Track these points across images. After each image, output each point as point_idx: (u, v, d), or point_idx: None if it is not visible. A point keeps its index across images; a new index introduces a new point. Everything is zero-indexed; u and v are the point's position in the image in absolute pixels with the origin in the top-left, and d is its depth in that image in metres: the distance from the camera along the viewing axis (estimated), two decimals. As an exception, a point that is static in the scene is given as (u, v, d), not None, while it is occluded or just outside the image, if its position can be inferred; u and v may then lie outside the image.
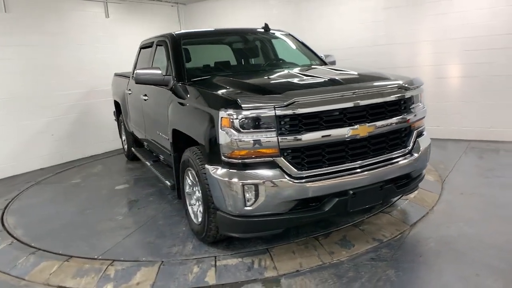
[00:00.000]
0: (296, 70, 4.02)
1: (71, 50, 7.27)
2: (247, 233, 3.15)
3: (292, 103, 2.85)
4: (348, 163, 3.07)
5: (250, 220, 2.98)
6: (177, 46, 4.29)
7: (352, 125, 3.01)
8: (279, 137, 2.84)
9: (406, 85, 3.31)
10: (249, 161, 2.89)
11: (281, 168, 2.89)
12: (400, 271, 2.97)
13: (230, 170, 2.93)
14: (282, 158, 2.88)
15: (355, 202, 3.08)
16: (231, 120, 2.85)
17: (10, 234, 4.13)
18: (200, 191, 3.36)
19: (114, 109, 7.37)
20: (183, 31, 4.65)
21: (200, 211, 3.51)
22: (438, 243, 3.34)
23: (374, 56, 6.93)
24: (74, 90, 7.39)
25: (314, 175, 2.95)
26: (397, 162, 3.25)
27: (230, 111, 2.85)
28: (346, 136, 2.99)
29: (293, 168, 2.89)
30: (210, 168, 3.06)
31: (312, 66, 4.49)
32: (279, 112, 2.82)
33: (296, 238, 3.52)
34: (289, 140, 2.86)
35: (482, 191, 4.34)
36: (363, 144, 3.11)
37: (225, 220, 3.07)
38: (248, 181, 2.86)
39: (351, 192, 3.02)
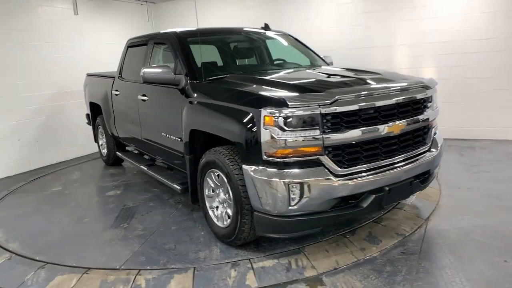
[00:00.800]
0: (314, 70, 4.05)
1: (38, 48, 6.79)
2: (287, 233, 3.10)
3: (335, 101, 2.87)
4: (382, 160, 3.13)
5: (292, 220, 2.94)
6: (185, 45, 4.15)
7: (387, 123, 3.08)
8: (323, 135, 2.83)
9: (428, 85, 3.45)
10: (292, 159, 2.86)
11: (324, 166, 2.88)
12: (434, 262, 3.09)
13: (273, 170, 2.88)
14: (325, 156, 2.88)
15: (389, 198, 3.16)
16: (276, 119, 2.81)
17: (4, 248, 3.76)
18: (230, 193, 3.26)
19: (88, 112, 6.97)
20: (185, 29, 4.50)
21: (227, 213, 3.42)
22: (458, 234, 3.50)
23: (354, 58, 7.15)
24: (42, 91, 6.91)
25: (353, 172, 2.98)
26: (423, 158, 3.37)
27: (275, 110, 2.81)
28: (382, 133, 3.06)
29: (336, 166, 2.90)
30: (248, 168, 2.98)
31: (322, 66, 4.54)
32: (323, 110, 2.82)
33: (324, 236, 3.53)
34: (332, 138, 2.86)
35: (476, 185, 4.62)
36: (395, 141, 3.19)
37: (265, 221, 3.01)
38: (295, 180, 2.82)
39: (386, 188, 3.09)
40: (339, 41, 7.31)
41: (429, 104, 3.51)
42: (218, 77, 3.85)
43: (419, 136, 3.44)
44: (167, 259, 3.34)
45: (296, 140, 2.81)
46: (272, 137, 2.83)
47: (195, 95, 3.69)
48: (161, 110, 4.29)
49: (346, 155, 2.97)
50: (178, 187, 4.13)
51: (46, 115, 6.97)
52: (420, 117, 3.35)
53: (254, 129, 2.91)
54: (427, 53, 6.77)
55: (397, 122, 3.14)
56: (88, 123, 7.32)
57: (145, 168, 4.92)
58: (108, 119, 5.99)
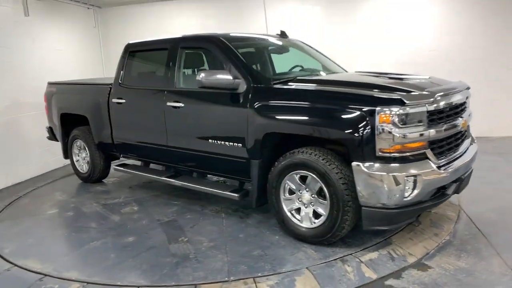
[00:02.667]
0: (361, 74, 4.36)
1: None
2: (393, 224, 3.32)
3: (436, 99, 3.20)
4: (456, 151, 3.55)
5: (403, 211, 3.17)
6: (235, 49, 4.10)
7: (461, 118, 3.53)
8: (429, 130, 3.13)
9: (469, 87, 4.00)
10: (403, 154, 3.10)
11: (429, 159, 3.18)
12: (500, 237, 3.57)
13: (387, 165, 3.08)
14: (429, 150, 3.18)
15: (462, 186, 3.59)
16: (392, 117, 3.02)
17: (66, 279, 3.25)
18: (326, 192, 3.34)
19: (49, 125, 6.25)
20: (221, 33, 4.41)
21: (314, 213, 3.49)
22: (496, 214, 4.07)
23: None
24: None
25: (444, 164, 3.33)
26: (473, 148, 3.89)
27: (392, 108, 3.02)
28: (459, 128, 3.49)
29: (436, 159, 3.22)
30: (361, 164, 3.12)
31: (354, 71, 4.85)
32: (428, 108, 3.13)
33: (398, 228, 3.79)
34: (433, 132, 3.18)
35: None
36: (461, 134, 3.65)
37: (376, 215, 3.19)
38: (410, 173, 3.06)
39: (462, 177, 3.51)
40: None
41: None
42: (283, 80, 3.90)
43: (466, 131, 3.96)
44: (270, 265, 3.28)
45: (408, 136, 3.06)
46: (387, 134, 3.04)
47: (266, 98, 3.68)
48: (210, 116, 4.13)
49: (438, 148, 3.31)
50: (236, 195, 4.03)
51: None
52: (467, 113, 3.87)
53: (368, 127, 3.07)
54: (384, 63, 7.51)
55: (464, 118, 3.60)
56: (51, 138, 6.55)
57: (178, 182, 4.62)
58: (99, 131, 5.46)
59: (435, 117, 3.23)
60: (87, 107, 5.57)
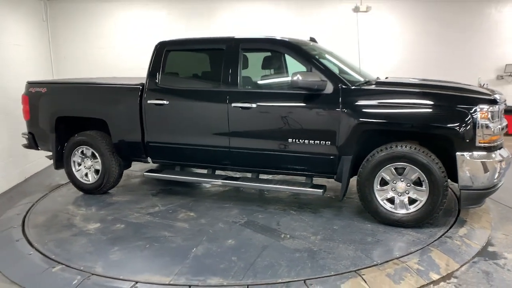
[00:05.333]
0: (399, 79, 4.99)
1: None
2: (481, 203, 3.98)
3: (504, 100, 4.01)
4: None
5: (490, 191, 3.89)
6: (313, 53, 4.37)
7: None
8: (499, 125, 3.90)
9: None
10: (492, 144, 3.80)
11: (504, 148, 3.96)
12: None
13: (485, 153, 3.75)
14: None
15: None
16: (489, 113, 3.71)
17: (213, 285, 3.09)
18: (425, 180, 3.85)
19: (29, 131, 5.50)
20: (281, 37, 4.58)
21: (409, 200, 3.97)
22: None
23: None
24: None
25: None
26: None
27: (490, 106, 3.72)
28: (504, 123, 4.37)
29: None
30: (466, 154, 3.73)
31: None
32: (501, 107, 3.91)
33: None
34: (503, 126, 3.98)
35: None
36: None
37: (473, 196, 3.83)
38: (500, 158, 3.79)
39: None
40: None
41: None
42: (361, 83, 4.33)
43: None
44: (397, 249, 3.61)
45: (496, 129, 3.78)
46: (485, 128, 3.71)
47: (361, 99, 4.05)
48: (290, 116, 4.26)
49: (499, 140, 4.11)
50: (320, 190, 4.27)
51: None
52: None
53: (471, 122, 3.70)
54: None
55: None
56: (29, 146, 5.72)
57: (250, 183, 4.69)
58: (123, 135, 5.02)
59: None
60: (106, 109, 5.06)
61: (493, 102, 3.78)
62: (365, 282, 3.10)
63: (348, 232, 3.98)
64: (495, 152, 3.81)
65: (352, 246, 3.68)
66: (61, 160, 5.47)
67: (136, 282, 3.13)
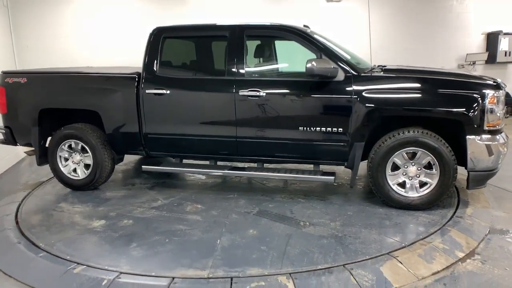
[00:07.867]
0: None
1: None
2: (485, 184, 4.19)
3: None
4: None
5: (494, 172, 4.10)
6: (323, 40, 4.36)
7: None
8: (502, 112, 4.13)
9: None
10: (496, 128, 4.01)
11: (503, 132, 4.20)
12: None
13: (491, 136, 3.95)
14: (502, 125, 4.21)
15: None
16: (495, 99, 3.91)
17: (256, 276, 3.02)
18: (436, 164, 3.99)
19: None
20: (290, 24, 4.53)
21: (420, 183, 4.10)
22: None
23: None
24: None
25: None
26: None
27: (497, 92, 3.92)
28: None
29: (503, 132, 4.27)
30: (475, 137, 3.90)
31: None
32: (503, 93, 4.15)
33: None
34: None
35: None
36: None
37: (480, 177, 4.03)
38: (503, 141, 4.01)
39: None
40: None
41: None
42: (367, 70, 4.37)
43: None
44: (417, 230, 3.73)
45: (501, 113, 4.01)
46: (492, 112, 3.91)
47: (374, 86, 4.11)
48: (300, 104, 4.25)
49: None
50: (332, 177, 4.29)
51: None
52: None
53: (480, 107, 3.88)
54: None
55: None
56: (6, 141, 5.28)
57: (263, 173, 4.64)
58: (118, 127, 4.76)
59: (497, 101, 4.26)
60: (99, 100, 4.75)
61: (498, 87, 3.98)
62: (401, 263, 3.16)
63: (364, 217, 4.04)
64: (499, 135, 4.02)
65: (374, 230, 3.74)
66: (45, 156, 5.08)
67: (173, 278, 2.97)
